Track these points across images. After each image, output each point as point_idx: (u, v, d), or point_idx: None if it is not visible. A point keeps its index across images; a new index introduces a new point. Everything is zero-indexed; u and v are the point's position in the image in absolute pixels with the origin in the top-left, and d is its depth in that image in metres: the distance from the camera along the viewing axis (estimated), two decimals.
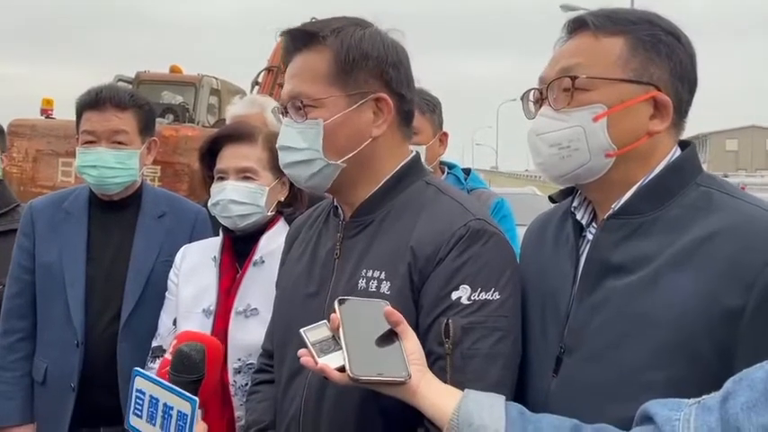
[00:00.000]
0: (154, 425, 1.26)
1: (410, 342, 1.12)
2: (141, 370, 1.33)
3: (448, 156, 2.80)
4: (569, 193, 1.30)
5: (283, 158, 1.37)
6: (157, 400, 1.26)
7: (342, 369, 1.08)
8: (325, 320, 1.17)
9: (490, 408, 1.05)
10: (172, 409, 1.23)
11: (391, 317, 1.12)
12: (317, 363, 1.10)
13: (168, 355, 1.35)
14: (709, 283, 1.04)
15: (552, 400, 1.15)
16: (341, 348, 1.10)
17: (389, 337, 1.12)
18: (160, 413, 1.25)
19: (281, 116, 1.38)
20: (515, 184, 26.84)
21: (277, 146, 1.38)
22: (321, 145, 1.30)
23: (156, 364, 1.82)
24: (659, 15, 1.18)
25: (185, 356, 1.30)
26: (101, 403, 2.03)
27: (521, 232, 2.56)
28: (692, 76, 1.18)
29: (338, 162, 1.32)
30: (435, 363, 1.17)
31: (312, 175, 1.33)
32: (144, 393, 1.28)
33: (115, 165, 2.09)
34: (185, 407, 1.22)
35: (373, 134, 1.33)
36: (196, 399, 1.23)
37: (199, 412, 1.47)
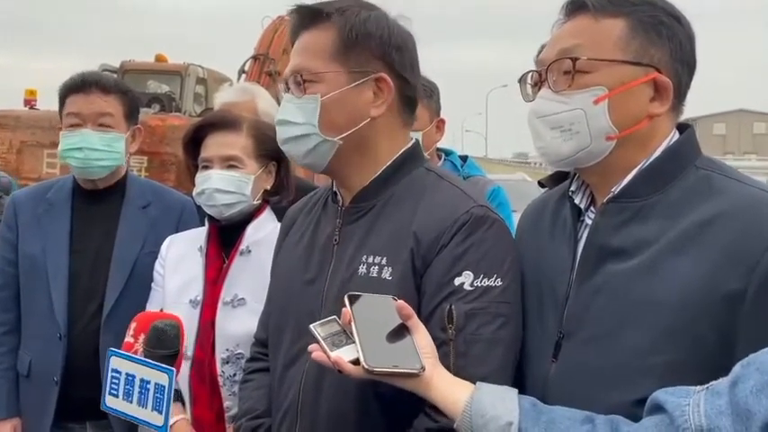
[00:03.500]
0: (131, 402, 1.26)
1: (421, 336, 1.12)
2: (117, 350, 1.32)
3: (442, 140, 2.77)
4: (559, 178, 1.29)
5: (281, 134, 1.36)
6: (134, 376, 1.26)
7: (355, 362, 1.08)
8: (335, 316, 1.17)
9: (503, 399, 1.05)
10: (149, 383, 1.24)
11: (403, 310, 1.12)
12: (330, 357, 1.10)
13: (129, 338, 1.34)
14: (710, 267, 1.03)
15: (552, 386, 1.15)
16: (353, 342, 1.10)
17: (400, 331, 1.13)
18: (137, 389, 1.25)
19: (284, 93, 1.38)
20: (505, 170, 26.90)
21: (275, 121, 1.38)
22: (318, 120, 1.30)
23: None
24: None
25: (161, 332, 1.29)
26: (86, 397, 2.00)
27: (513, 218, 2.58)
28: (692, 59, 1.16)
29: (334, 139, 1.31)
30: (438, 348, 1.17)
31: (308, 152, 1.33)
32: (120, 372, 1.28)
33: (101, 147, 2.06)
34: (163, 378, 1.22)
35: (372, 114, 1.32)
36: (173, 369, 1.23)
37: (184, 414, 1.45)
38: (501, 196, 2.61)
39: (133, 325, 1.36)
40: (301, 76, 1.31)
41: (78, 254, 2.08)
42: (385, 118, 1.33)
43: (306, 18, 1.34)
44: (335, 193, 1.40)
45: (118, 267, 2.06)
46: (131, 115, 2.16)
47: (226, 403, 1.76)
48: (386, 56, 1.32)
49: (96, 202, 2.14)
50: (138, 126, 2.19)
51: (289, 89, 1.35)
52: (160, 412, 1.21)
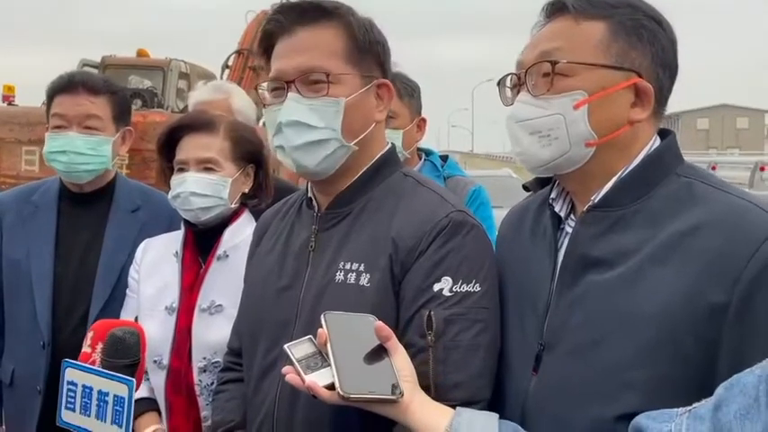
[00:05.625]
0: (88, 415, 1.20)
1: (400, 358, 1.10)
2: (72, 360, 1.25)
3: (424, 139, 2.75)
4: (544, 181, 1.26)
5: (292, 139, 1.26)
6: (91, 388, 1.19)
7: (331, 387, 1.06)
8: (310, 336, 1.14)
9: (483, 427, 1.03)
10: (107, 395, 1.17)
11: (381, 332, 1.10)
12: (304, 381, 1.07)
13: (87, 348, 1.28)
14: (692, 279, 1.01)
15: (532, 399, 1.12)
16: (328, 365, 1.07)
17: (378, 352, 1.10)
18: (95, 402, 1.19)
19: (266, 94, 1.32)
20: (491, 166, 26.95)
21: (284, 121, 1.26)
22: (340, 125, 1.26)
23: None
24: None
25: (119, 340, 1.23)
26: None
27: (496, 214, 2.57)
28: (674, 63, 1.14)
29: (351, 144, 1.28)
30: (417, 355, 1.15)
31: (325, 158, 1.27)
32: (76, 384, 1.22)
33: (86, 151, 2.00)
34: (122, 390, 1.16)
35: (377, 119, 1.32)
36: (133, 380, 1.18)
37: (161, 424, 1.37)
38: (482, 196, 2.60)
39: (90, 334, 1.29)
40: (327, 74, 1.25)
41: (63, 258, 2.02)
42: (381, 123, 1.35)
43: (308, 15, 1.28)
44: (311, 198, 1.37)
45: (105, 273, 1.99)
46: (121, 117, 2.09)
47: (203, 413, 1.72)
48: (384, 63, 1.33)
49: (83, 205, 2.08)
50: (128, 128, 2.13)
51: (279, 88, 1.28)
52: (120, 426, 1.15)
